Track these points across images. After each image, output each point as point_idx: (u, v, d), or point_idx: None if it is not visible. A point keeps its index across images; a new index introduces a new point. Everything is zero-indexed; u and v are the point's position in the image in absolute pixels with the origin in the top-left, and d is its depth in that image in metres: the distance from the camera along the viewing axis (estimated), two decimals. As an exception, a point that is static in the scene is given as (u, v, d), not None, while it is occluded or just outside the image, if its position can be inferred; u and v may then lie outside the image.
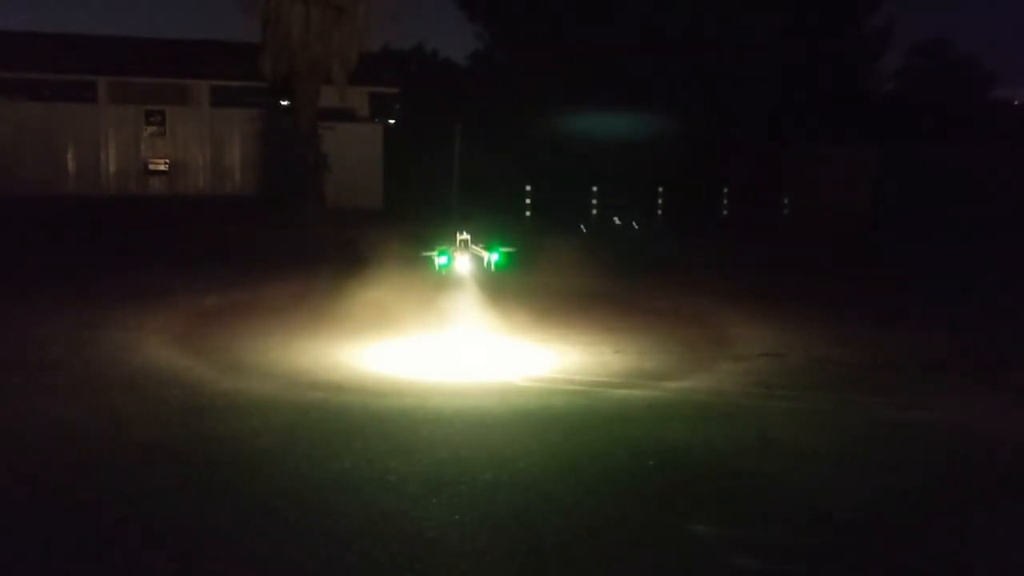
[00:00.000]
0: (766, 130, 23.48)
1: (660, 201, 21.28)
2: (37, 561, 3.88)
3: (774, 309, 10.10)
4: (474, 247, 7.95)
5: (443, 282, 8.11)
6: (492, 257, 7.82)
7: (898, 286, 12.37)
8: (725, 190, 21.89)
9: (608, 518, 4.39)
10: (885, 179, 20.93)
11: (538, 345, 8.25)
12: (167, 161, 21.91)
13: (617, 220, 20.01)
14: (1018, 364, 7.97)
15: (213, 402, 6.17)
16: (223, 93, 22.48)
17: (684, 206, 20.85)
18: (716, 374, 7.36)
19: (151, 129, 21.86)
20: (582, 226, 19.01)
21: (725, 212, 21.86)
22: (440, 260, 7.86)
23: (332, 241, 14.39)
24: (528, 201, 19.77)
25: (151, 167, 21.85)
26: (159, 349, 7.74)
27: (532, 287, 10.40)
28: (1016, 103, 31.61)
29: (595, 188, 20.61)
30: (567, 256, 11.92)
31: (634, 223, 19.74)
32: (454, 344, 7.82)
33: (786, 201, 21.79)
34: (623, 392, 6.77)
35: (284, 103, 20.15)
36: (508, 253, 7.91)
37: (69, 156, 21.23)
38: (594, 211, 20.54)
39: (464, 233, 7.96)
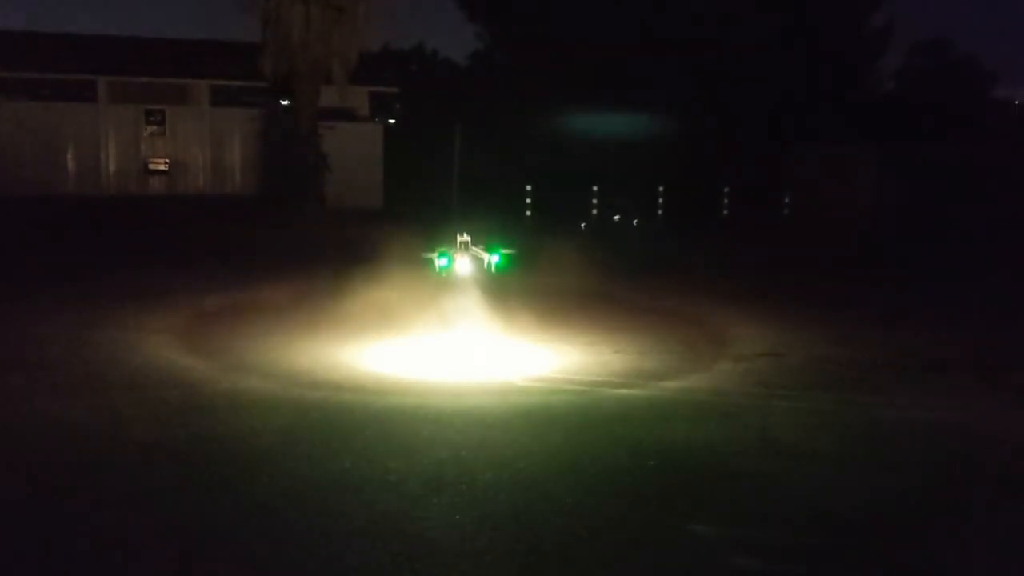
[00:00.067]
0: (766, 130, 23.46)
1: (660, 201, 21.29)
2: (37, 561, 3.87)
3: (774, 309, 10.10)
4: (474, 249, 7.94)
5: (443, 283, 8.11)
6: (492, 259, 7.82)
7: (898, 286, 12.38)
8: (725, 190, 21.88)
9: (608, 518, 4.39)
10: (885, 179, 20.91)
11: (538, 345, 8.25)
12: (167, 161, 21.91)
13: (617, 219, 20.01)
14: (1018, 364, 7.96)
15: (213, 402, 6.17)
16: (223, 93, 22.49)
17: (684, 206, 20.85)
18: (716, 374, 7.35)
19: (151, 129, 21.86)
20: (582, 225, 19.01)
21: (725, 212, 21.86)
22: (440, 262, 7.86)
23: (332, 241, 14.40)
24: (528, 201, 19.77)
25: (151, 167, 21.86)
26: (159, 349, 7.73)
27: (532, 287, 10.38)
28: (1016, 103, 31.58)
29: (595, 188, 20.62)
30: (567, 256, 11.93)
31: (634, 223, 19.74)
32: (454, 344, 7.81)
33: (786, 201, 21.78)
34: (623, 392, 6.77)
35: (284, 103, 20.15)
36: (508, 255, 7.90)
37: (69, 156, 21.23)
38: (594, 211, 20.54)
39: (464, 235, 7.95)
